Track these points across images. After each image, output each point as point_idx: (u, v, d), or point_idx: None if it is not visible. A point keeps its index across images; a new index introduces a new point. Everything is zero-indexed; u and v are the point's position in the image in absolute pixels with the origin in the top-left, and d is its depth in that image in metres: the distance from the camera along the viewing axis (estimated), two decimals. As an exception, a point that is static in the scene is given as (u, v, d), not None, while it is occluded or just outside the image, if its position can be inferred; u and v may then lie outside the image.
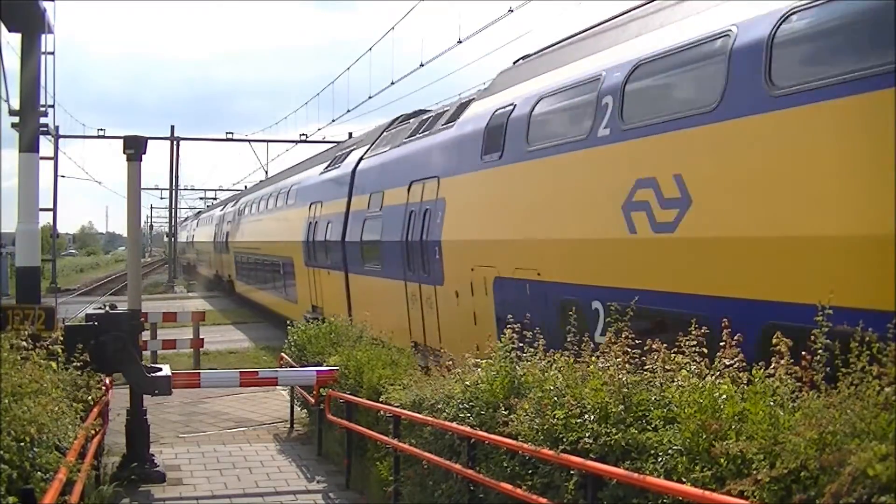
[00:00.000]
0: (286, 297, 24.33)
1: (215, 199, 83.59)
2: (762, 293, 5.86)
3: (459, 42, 21.27)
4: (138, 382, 10.37)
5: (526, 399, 6.16)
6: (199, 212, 75.72)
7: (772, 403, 4.46)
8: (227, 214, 41.45)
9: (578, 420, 5.37)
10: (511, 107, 10.23)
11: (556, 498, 5.53)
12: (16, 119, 13.46)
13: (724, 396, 4.62)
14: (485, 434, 6.52)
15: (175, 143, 54.29)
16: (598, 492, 5.10)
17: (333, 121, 39.81)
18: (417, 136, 14.37)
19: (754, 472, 4.00)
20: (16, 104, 13.60)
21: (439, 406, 7.47)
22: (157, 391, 10.58)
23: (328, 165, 21.25)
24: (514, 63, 12.10)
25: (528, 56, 11.77)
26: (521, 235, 9.58)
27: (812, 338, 4.38)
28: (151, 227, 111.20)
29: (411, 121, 16.20)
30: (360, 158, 17.76)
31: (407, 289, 13.29)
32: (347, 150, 20.59)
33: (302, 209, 21.84)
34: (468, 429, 6.76)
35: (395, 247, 13.69)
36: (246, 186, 56.36)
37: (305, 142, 46.62)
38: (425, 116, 15.25)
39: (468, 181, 11.28)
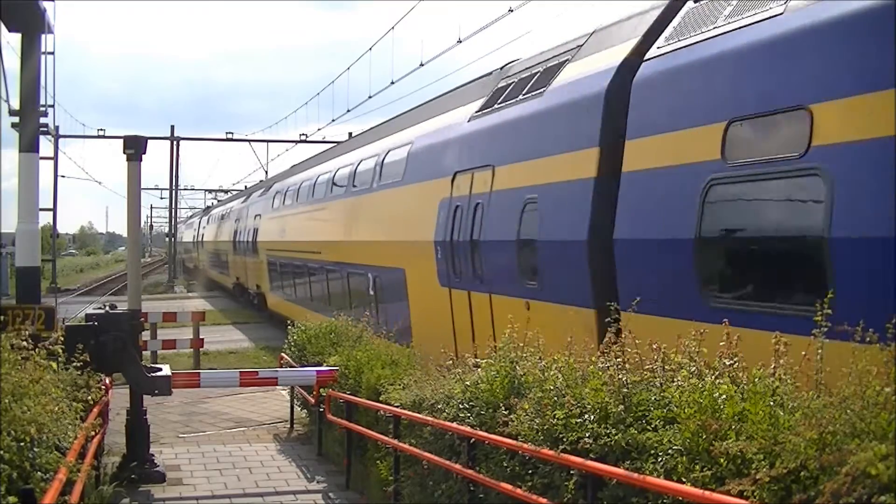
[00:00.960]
0: (384, 335, 11.79)
1: (226, 192, 74.76)
2: None
3: (459, 42, 21.24)
4: (138, 382, 10.37)
5: (526, 399, 6.16)
6: (209, 207, 65.92)
7: (772, 403, 4.46)
8: (253, 206, 32.56)
9: (578, 420, 5.36)
10: None
11: (556, 498, 5.53)
12: (16, 119, 13.47)
13: (724, 396, 4.62)
14: (485, 434, 6.52)
15: (175, 143, 54.32)
16: (598, 492, 5.10)
17: (333, 120, 39.72)
18: None
19: (754, 471, 4.00)
20: (16, 104, 13.62)
21: (439, 406, 7.47)
22: (157, 391, 10.59)
23: (491, 101, 11.53)
24: None
25: None
26: None
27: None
28: (151, 227, 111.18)
29: None
30: (639, 59, 8.16)
31: None
32: (543, 64, 10.66)
33: (429, 185, 12.77)
34: (468, 429, 6.76)
35: None
36: (246, 187, 55.80)
37: (305, 142, 46.62)
38: None
39: None
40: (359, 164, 17.51)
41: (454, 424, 7.01)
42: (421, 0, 43.66)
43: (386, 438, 8.81)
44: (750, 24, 6.75)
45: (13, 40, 13.59)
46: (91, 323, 10.21)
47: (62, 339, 8.17)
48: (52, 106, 17.00)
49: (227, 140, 50.73)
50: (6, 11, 12.39)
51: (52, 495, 5.22)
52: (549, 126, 9.60)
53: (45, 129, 15.70)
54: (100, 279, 58.36)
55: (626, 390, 5.28)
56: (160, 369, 10.89)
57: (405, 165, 14.24)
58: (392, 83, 25.75)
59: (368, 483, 9.69)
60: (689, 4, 8.07)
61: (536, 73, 10.63)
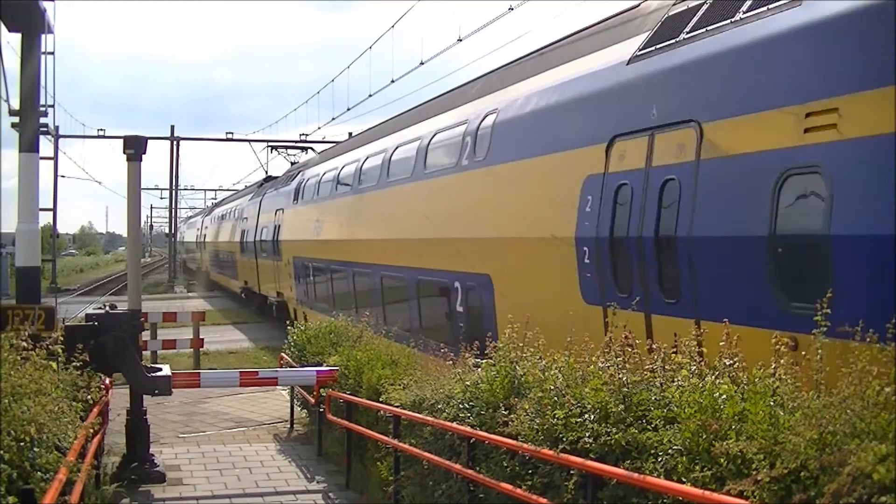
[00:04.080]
0: None
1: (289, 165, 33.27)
2: None
3: (459, 40, 21.27)
4: (138, 382, 10.37)
5: (526, 399, 6.16)
6: (269, 179, 33.65)
7: (772, 403, 4.46)
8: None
9: (578, 420, 5.36)
10: None
11: (556, 498, 5.53)
12: (16, 119, 13.44)
13: (724, 396, 4.62)
14: (485, 434, 6.52)
15: (175, 143, 54.30)
16: (598, 492, 5.10)
17: (333, 119, 39.76)
18: None
19: (754, 472, 4.00)
20: (16, 104, 13.60)
21: (439, 406, 7.47)
22: (157, 391, 10.59)
23: None
24: None
25: None
26: None
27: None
28: (151, 227, 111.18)
29: None
30: None
31: None
32: None
33: None
34: (468, 429, 6.75)
35: None
36: (242, 186, 51.49)
37: (305, 142, 46.56)
38: None
39: None
40: None
41: (454, 424, 7.01)
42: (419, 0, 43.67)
43: (386, 438, 8.80)
44: None
45: (13, 40, 13.59)
46: (91, 323, 10.22)
47: (62, 339, 8.17)
48: (52, 106, 16.98)
49: (227, 140, 50.68)
50: (6, 11, 12.38)
51: (52, 495, 5.21)
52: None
53: (45, 129, 15.68)
54: (100, 279, 58.32)
55: (626, 390, 5.28)
56: (160, 369, 10.90)
57: None
58: (392, 82, 25.82)
59: (368, 483, 9.69)
60: None
61: None
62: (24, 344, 6.94)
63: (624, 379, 5.33)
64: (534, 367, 6.53)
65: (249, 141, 51.28)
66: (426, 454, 7.64)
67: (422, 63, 24.09)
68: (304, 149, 33.63)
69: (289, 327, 14.20)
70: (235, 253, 34.72)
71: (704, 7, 7.52)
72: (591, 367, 5.75)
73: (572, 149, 8.88)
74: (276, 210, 24.99)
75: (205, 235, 50.60)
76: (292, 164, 31.21)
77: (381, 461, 9.11)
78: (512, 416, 6.15)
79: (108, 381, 9.86)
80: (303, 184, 22.41)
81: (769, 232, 6.00)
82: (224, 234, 39.78)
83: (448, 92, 15.03)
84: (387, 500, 8.72)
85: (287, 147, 33.89)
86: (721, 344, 5.02)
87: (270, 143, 35.42)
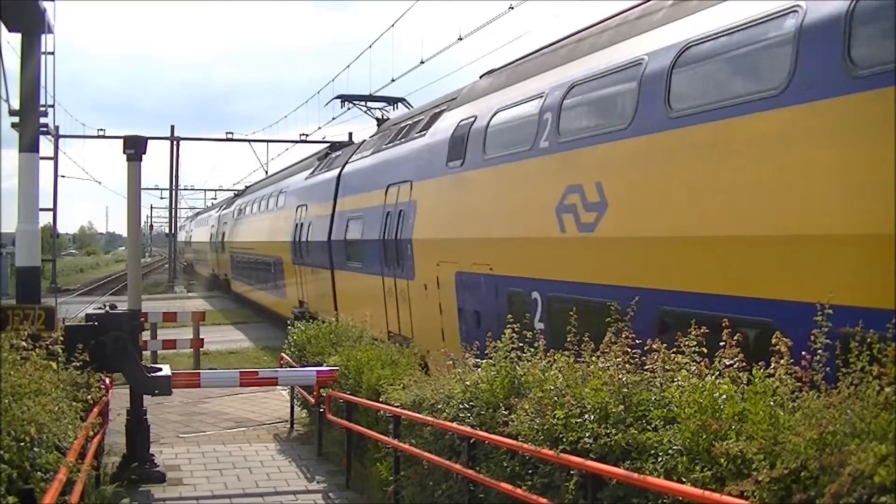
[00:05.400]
0: None
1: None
2: None
3: (460, 39, 21.28)
4: (138, 382, 10.37)
5: (526, 399, 6.16)
6: (336, 147, 24.25)
7: (772, 403, 4.46)
8: None
9: (578, 420, 5.37)
10: None
11: (556, 498, 5.53)
12: (16, 119, 13.44)
13: (724, 396, 4.62)
14: (485, 434, 6.52)
15: (175, 143, 54.24)
16: (598, 492, 5.10)
17: (333, 118, 39.67)
18: None
19: (754, 472, 4.00)
20: (16, 104, 13.60)
21: (439, 406, 7.47)
22: (157, 391, 10.59)
23: None
24: None
25: None
26: None
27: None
28: (151, 227, 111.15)
29: None
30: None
31: None
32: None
33: None
34: (468, 429, 6.75)
35: None
36: (243, 186, 51.94)
37: (305, 142, 46.47)
38: None
39: None
40: None
41: (454, 424, 7.01)
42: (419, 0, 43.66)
43: (386, 438, 8.80)
44: None
45: (13, 40, 13.58)
46: (91, 323, 10.21)
47: (62, 339, 8.17)
48: (52, 106, 17.01)
49: (227, 140, 50.58)
50: (6, 11, 12.37)
51: (52, 495, 5.22)
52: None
53: (45, 129, 15.70)
54: (100, 279, 58.29)
55: (626, 390, 5.29)
56: (160, 369, 10.89)
57: None
58: (392, 81, 25.85)
59: (368, 483, 9.68)
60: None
61: None
62: (24, 344, 6.95)
63: (624, 379, 5.34)
64: (534, 367, 6.53)
65: (249, 141, 51.21)
66: (426, 454, 7.64)
67: (422, 62, 24.11)
68: (393, 102, 22.56)
69: (289, 327, 14.19)
70: (282, 257, 24.32)
71: None
72: (592, 367, 5.76)
73: None
74: (390, 187, 14.61)
75: (223, 234, 39.24)
76: (379, 120, 21.45)
77: (380, 461, 9.11)
78: (512, 416, 6.15)
79: (108, 380, 9.86)
80: (477, 125, 11.25)
81: None
82: (259, 231, 28.81)
83: None
84: (387, 500, 8.72)
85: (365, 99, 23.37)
86: None
87: (344, 97, 23.95)
